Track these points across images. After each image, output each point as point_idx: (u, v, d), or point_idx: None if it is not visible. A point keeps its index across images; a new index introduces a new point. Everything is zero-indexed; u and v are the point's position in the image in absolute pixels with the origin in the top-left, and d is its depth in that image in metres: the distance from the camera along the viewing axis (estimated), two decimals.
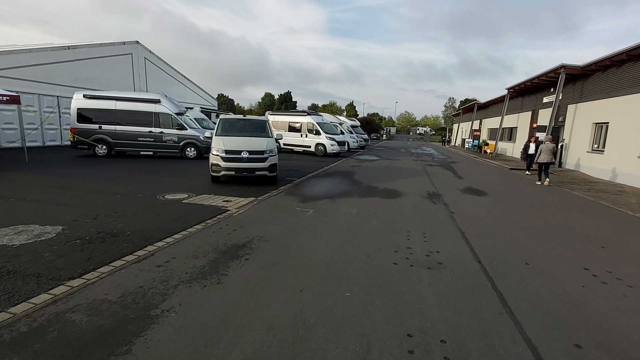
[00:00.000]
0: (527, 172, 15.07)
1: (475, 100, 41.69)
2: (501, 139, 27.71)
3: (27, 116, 16.78)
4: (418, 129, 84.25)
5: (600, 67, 15.01)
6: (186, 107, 23.31)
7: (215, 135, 9.78)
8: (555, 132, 18.30)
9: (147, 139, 15.17)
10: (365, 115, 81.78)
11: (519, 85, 22.81)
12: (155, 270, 3.87)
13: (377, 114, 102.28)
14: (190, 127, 15.83)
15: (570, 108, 17.89)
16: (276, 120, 22.55)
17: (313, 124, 20.72)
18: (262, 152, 9.34)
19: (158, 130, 15.23)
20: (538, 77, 19.26)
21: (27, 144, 13.96)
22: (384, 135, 65.06)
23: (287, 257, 4.37)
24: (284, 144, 21.90)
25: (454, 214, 7.14)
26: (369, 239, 5.22)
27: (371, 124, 63.00)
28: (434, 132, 78.30)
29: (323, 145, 20.29)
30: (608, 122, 14.54)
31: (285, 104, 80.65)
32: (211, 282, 3.62)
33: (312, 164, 15.47)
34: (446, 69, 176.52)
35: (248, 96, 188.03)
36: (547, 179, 12.29)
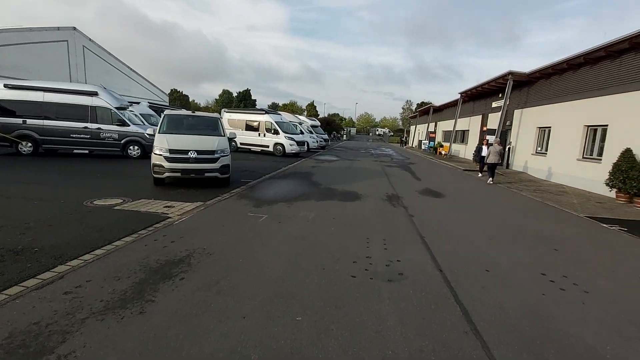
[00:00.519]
0: (479, 174, 15.67)
1: (431, 103, 43.39)
2: (454, 141, 28.96)
3: None
4: (377, 130, 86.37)
5: (544, 74, 16.04)
6: (130, 102, 21.48)
7: (159, 133, 8.81)
8: (503, 135, 19.35)
9: (82, 136, 13.52)
10: (326, 115, 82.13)
11: (470, 90, 23.91)
12: (60, 298, 3.10)
13: (338, 114, 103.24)
14: (134, 124, 14.42)
15: (517, 113, 19.00)
16: (233, 118, 21.54)
17: (271, 123, 20.02)
18: (213, 152, 8.56)
19: (95, 126, 13.65)
20: (488, 82, 20.25)
21: None
22: (344, 136, 65.73)
23: (232, 274, 3.78)
24: (241, 144, 20.97)
25: (413, 218, 6.96)
26: (326, 248, 4.79)
27: (332, 124, 63.30)
28: (392, 134, 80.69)
29: (282, 145, 19.67)
30: (550, 127, 15.57)
31: (244, 102, 78.53)
32: (132, 312, 2.94)
33: (270, 165, 14.82)
34: (403, 72, 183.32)
35: (205, 93, 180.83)
36: (492, 178, 13.54)
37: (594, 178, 12.24)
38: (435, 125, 38.32)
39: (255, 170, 12.86)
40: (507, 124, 19.53)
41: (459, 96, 27.04)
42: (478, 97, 24.95)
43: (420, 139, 43.33)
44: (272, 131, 19.99)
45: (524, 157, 17.78)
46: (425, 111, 41.87)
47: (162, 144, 8.29)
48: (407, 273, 4.11)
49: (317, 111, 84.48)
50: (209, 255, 4.24)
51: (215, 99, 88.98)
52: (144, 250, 4.29)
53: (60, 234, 4.69)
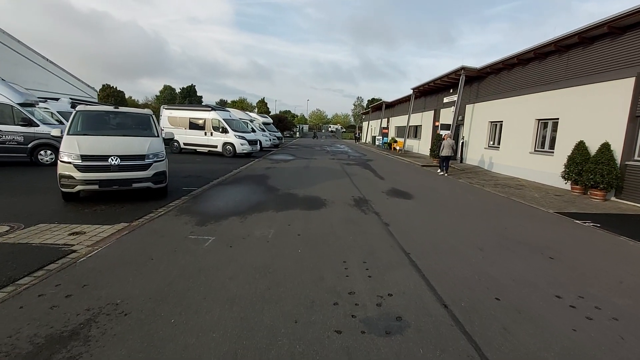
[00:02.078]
0: (439, 171, 15.49)
1: (381, 99, 43.90)
2: (408, 137, 29.24)
3: None
4: (330, 127, 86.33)
5: (494, 70, 16.30)
6: (45, 98, 18.18)
7: (67, 135, 6.90)
8: (456, 130, 19.60)
9: None
10: (278, 112, 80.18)
11: (422, 85, 24.07)
12: None
13: (289, 111, 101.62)
14: (45, 123, 11.85)
15: (469, 108, 19.33)
16: (174, 116, 19.27)
17: (219, 120, 18.17)
18: (143, 157, 6.89)
19: None
20: (440, 78, 20.37)
21: None
22: (298, 133, 64.55)
23: (157, 352, 2.45)
24: (185, 144, 18.85)
25: (389, 227, 6.03)
26: (294, 285, 3.60)
27: (284, 122, 61.62)
28: (344, 130, 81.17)
29: (232, 144, 17.94)
30: (502, 121, 15.87)
31: (188, 98, 73.78)
32: None
33: (219, 168, 13.17)
34: (351, 70, 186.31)
35: (143, 89, 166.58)
36: (445, 171, 14.60)
37: (547, 170, 12.51)
38: (388, 121, 38.71)
39: (201, 174, 11.20)
40: (459, 118, 19.82)
41: (409, 92, 27.26)
42: (430, 92, 25.28)
43: (373, 134, 43.65)
44: (220, 129, 18.16)
45: (477, 151, 18.10)
46: (378, 107, 42.21)
47: (72, 148, 6.44)
48: (406, 316, 3.09)
49: (268, 108, 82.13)
50: (123, 318, 2.84)
51: (156, 96, 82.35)
52: (16, 319, 2.75)
53: None
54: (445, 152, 14.24)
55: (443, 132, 18.18)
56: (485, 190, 10.95)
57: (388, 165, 17.84)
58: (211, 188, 9.03)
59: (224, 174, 11.64)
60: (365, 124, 55.00)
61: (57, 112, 14.88)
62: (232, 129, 18.21)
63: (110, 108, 8.37)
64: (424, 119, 26.84)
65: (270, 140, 25.39)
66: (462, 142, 19.64)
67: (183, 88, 77.33)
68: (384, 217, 6.69)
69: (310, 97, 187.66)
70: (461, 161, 19.50)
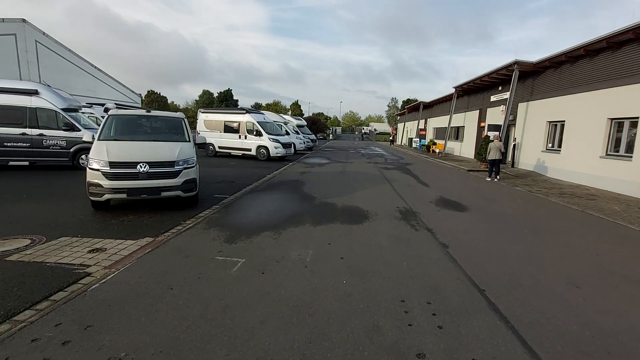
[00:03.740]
0: (488, 178, 14.00)
1: (416, 100, 42.06)
2: (449, 138, 27.45)
3: None
4: (363, 129, 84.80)
5: (554, 63, 14.50)
6: (90, 103, 18.85)
7: (98, 140, 6.60)
8: (506, 130, 17.82)
9: (19, 145, 11.04)
10: (311, 114, 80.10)
11: (466, 83, 22.38)
12: None
13: (323, 113, 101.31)
14: (87, 128, 11.97)
15: (521, 106, 17.50)
16: (210, 119, 19.21)
17: (253, 123, 17.82)
18: (172, 164, 6.41)
19: (36, 131, 11.19)
20: (488, 74, 18.70)
21: None
22: (331, 135, 63.89)
23: None
24: (220, 147, 18.69)
25: (449, 249, 5.03)
26: (343, 337, 2.77)
27: (317, 124, 61.28)
28: (378, 132, 79.31)
29: (266, 148, 17.51)
30: (564, 121, 14.05)
31: (225, 102, 75.75)
32: None
33: (252, 172, 12.69)
34: (382, 71, 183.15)
35: (184, 94, 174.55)
36: (496, 177, 13.18)
37: (623, 178, 10.72)
38: (426, 123, 36.87)
39: (235, 180, 10.73)
40: (510, 118, 18.02)
41: (445, 92, 25.63)
42: (474, 91, 23.48)
43: (410, 136, 41.87)
44: (255, 132, 17.79)
45: (532, 154, 16.26)
46: (415, 107, 40.44)
47: (101, 155, 6.08)
48: None
49: (301, 110, 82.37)
50: None
51: (195, 100, 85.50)
52: None
53: None
54: (492, 155, 12.92)
55: (491, 134, 16.57)
56: (551, 200, 9.48)
57: (430, 170, 16.53)
58: (243, 196, 8.46)
59: (258, 179, 11.10)
60: (400, 125, 53.12)
61: (101, 117, 15.23)
62: (266, 132, 17.79)
63: (143, 112, 8.07)
64: (467, 120, 25.02)
65: (304, 142, 24.87)
66: (514, 145, 17.81)
67: (220, 92, 79.61)
68: (439, 236, 5.68)
69: (343, 99, 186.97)
70: (513, 165, 17.70)
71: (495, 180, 13.00)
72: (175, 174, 6.42)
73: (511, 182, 12.85)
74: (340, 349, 2.62)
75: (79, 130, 11.62)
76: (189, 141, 7.34)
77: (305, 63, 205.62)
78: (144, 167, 6.10)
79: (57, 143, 11.45)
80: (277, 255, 4.49)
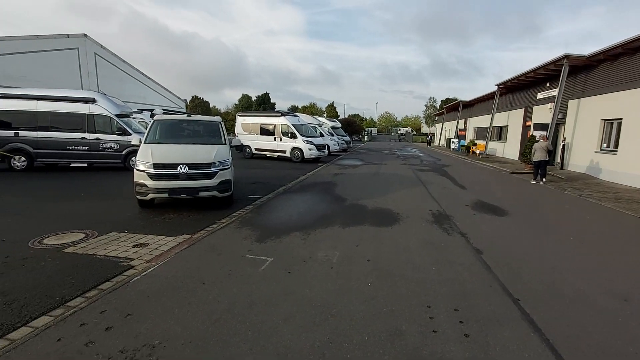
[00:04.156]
0: (533, 181, 13.13)
1: (456, 99, 40.40)
2: (491, 139, 26.08)
3: None
4: (399, 130, 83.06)
5: (610, 56, 13.28)
6: (140, 109, 20.34)
7: (144, 143, 7.13)
8: (554, 130, 16.58)
9: (79, 148, 12.22)
10: (346, 116, 79.95)
11: (510, 80, 21.16)
12: None
13: (358, 114, 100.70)
14: (137, 132, 12.94)
15: (572, 104, 16.21)
16: (247, 122, 19.93)
17: (288, 125, 18.20)
18: (209, 165, 6.76)
19: (93, 136, 12.32)
20: (534, 70, 17.55)
21: None
22: (366, 137, 63.33)
23: None
24: (256, 149, 19.30)
25: (483, 255, 4.82)
26: (364, 339, 2.78)
27: (352, 125, 61.12)
28: (415, 133, 77.31)
29: (300, 150, 17.80)
30: (621, 119, 12.80)
31: (263, 105, 77.87)
32: None
33: (286, 173, 12.96)
34: (420, 70, 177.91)
35: (225, 99, 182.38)
36: (541, 179, 12.30)
37: None
38: (466, 122, 35.34)
39: (269, 181, 11.04)
40: (559, 116, 16.76)
41: (488, 90, 24.33)
42: (519, 88, 22.13)
43: (448, 137, 40.35)
44: (289, 135, 18.16)
45: (583, 155, 14.98)
46: (454, 107, 38.92)
47: (146, 157, 6.57)
48: None
49: (337, 112, 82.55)
50: None
51: (235, 104, 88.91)
52: (49, 355, 2.45)
53: None
54: (537, 156, 12.05)
55: (537, 133, 15.51)
56: (604, 206, 8.69)
57: (468, 172, 15.83)
58: (276, 197, 8.68)
59: (291, 180, 11.33)
60: (438, 125, 51.35)
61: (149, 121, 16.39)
62: (301, 134, 18.07)
63: (184, 116, 8.58)
64: (510, 119, 23.63)
65: (338, 144, 24.92)
66: (563, 145, 16.53)
67: (258, 96, 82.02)
68: (473, 241, 5.45)
69: (379, 100, 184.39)
70: (562, 167, 16.42)
71: (541, 183, 12.16)
72: (211, 175, 6.76)
73: (559, 185, 11.94)
74: (360, 350, 2.63)
75: (130, 134, 12.58)
76: (225, 144, 7.70)
77: (341, 65, 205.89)
78: (184, 169, 6.50)
79: (111, 146, 12.52)
80: (305, 256, 4.58)
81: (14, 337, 2.68)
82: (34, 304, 3.16)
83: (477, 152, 25.31)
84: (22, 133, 11.81)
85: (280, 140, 18.46)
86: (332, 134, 25.58)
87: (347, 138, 30.08)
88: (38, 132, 11.90)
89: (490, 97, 26.57)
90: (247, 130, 19.62)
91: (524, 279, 4.06)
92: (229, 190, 7.19)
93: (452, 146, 32.95)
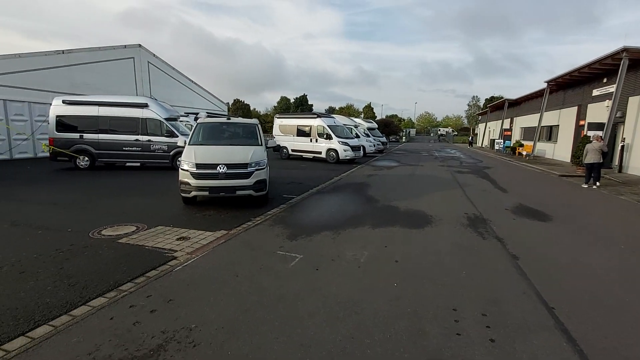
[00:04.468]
0: (585, 185, 12.14)
1: (502, 97, 38.18)
2: (539, 139, 24.40)
3: None
4: (439, 130, 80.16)
5: None
6: (187, 113, 21.66)
7: (188, 145, 7.67)
8: (612, 129, 15.17)
9: (133, 149, 13.37)
10: (384, 117, 78.83)
11: (562, 76, 19.68)
12: None
13: (396, 115, 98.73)
14: (183, 134, 13.88)
15: (633, 101, 14.74)
16: (284, 124, 20.47)
17: (324, 127, 18.42)
18: (245, 166, 7.12)
19: (145, 138, 13.40)
20: (589, 65, 16.18)
21: None
22: (404, 137, 61.98)
23: None
24: (292, 150, 19.75)
25: (519, 261, 4.62)
26: (385, 337, 2.84)
27: (390, 126, 60.11)
28: (456, 133, 74.22)
29: (335, 151, 17.94)
30: None
31: (300, 107, 79.17)
32: None
33: (321, 174, 13.17)
34: (463, 68, 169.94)
35: (265, 101, 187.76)
36: (594, 182, 11.43)
37: None
38: (512, 122, 33.35)
39: (303, 181, 11.30)
40: (617, 115, 15.31)
41: (538, 87, 22.71)
42: (572, 85, 20.51)
43: (492, 137, 38.32)
44: (325, 136, 18.37)
45: None
46: (498, 106, 36.89)
47: (190, 157, 7.08)
48: None
49: (374, 113, 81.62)
50: (191, 350, 2.60)
51: (274, 106, 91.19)
52: (102, 332, 2.81)
53: (17, 291, 3.47)
54: (590, 157, 11.13)
55: (592, 133, 14.31)
56: None
57: (512, 174, 14.99)
58: (310, 196, 8.90)
59: (325, 181, 11.50)
60: (481, 125, 48.89)
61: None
62: (336, 135, 18.20)
63: (224, 119, 9.09)
64: (562, 118, 21.96)
65: (374, 145, 24.72)
66: (622, 146, 15.07)
67: (296, 98, 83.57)
68: (510, 246, 5.24)
69: (418, 99, 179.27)
70: (620, 170, 14.99)
71: (594, 187, 11.21)
72: (248, 175, 7.11)
73: (615, 190, 10.93)
74: (380, 347, 2.70)
75: (177, 136, 13.49)
76: (261, 145, 8.05)
77: (379, 65, 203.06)
78: (223, 169, 6.92)
79: (160, 147, 13.52)
80: (333, 254, 4.70)
81: (76, 313, 3.09)
82: (92, 286, 3.60)
83: (524, 153, 23.79)
84: (85, 135, 13.16)
85: (316, 141, 18.73)
86: (368, 135, 25.43)
87: (384, 139, 29.70)
88: (99, 135, 13.20)
89: (539, 94, 24.88)
90: (284, 132, 20.14)
91: (563, 288, 3.85)
92: (264, 190, 7.51)
93: (496, 147, 31.25)
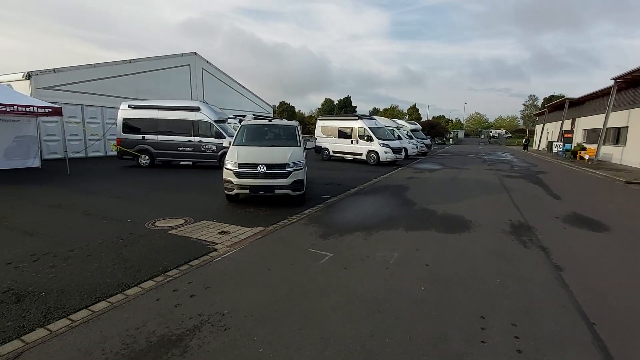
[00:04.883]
0: None
1: (563, 97, 34.93)
2: (605, 142, 22.03)
3: (70, 128, 17.48)
4: (490, 132, 75.46)
5: None
6: (236, 115, 22.87)
7: (233, 145, 8.19)
8: None
9: (186, 149, 14.48)
10: (430, 118, 76.14)
11: (631, 73, 17.64)
12: None
13: (444, 116, 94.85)
14: (230, 136, 14.75)
15: None
16: (326, 125, 20.74)
17: (365, 128, 18.37)
18: (284, 166, 7.43)
19: (197, 139, 14.44)
20: None
21: (71, 155, 14.23)
22: (451, 139, 59.34)
23: None
24: (333, 152, 19.95)
25: (562, 273, 4.33)
26: (406, 337, 2.88)
27: (436, 128, 58.06)
28: (510, 135, 69.34)
29: (376, 152, 17.81)
30: None
31: (344, 109, 79.24)
32: None
33: (360, 176, 13.20)
34: (519, 65, 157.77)
35: (309, 103, 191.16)
36: None
37: None
38: (573, 123, 30.46)
39: (342, 182, 11.43)
40: None
41: (606, 84, 20.44)
42: None
43: (550, 140, 35.30)
44: (366, 138, 18.32)
45: None
46: (557, 106, 33.89)
47: (233, 157, 7.57)
48: None
49: (419, 114, 79.24)
50: (222, 333, 2.86)
51: (318, 108, 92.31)
52: (149, 310, 3.19)
53: (86, 270, 4.04)
54: None
55: None
56: None
57: (569, 180, 13.77)
58: (346, 197, 9.00)
59: (363, 182, 11.53)
60: (538, 127, 45.21)
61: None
62: (377, 137, 18.06)
63: (266, 121, 9.53)
64: (632, 119, 19.63)
65: (417, 147, 24.10)
66: None
67: (340, 100, 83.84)
68: (555, 256, 4.91)
69: (469, 99, 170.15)
70: None
71: None
72: (286, 175, 7.41)
73: None
74: (400, 347, 2.75)
75: (225, 137, 14.36)
76: (300, 146, 8.33)
77: (426, 64, 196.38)
78: (262, 168, 7.29)
79: (210, 148, 14.48)
80: (363, 254, 4.78)
81: (129, 293, 3.53)
82: (144, 271, 4.06)
83: (586, 157, 21.63)
84: (147, 136, 14.51)
85: (357, 143, 18.73)
86: (410, 137, 24.83)
87: (428, 141, 28.76)
88: (158, 136, 14.49)
89: (605, 93, 22.46)
90: (326, 134, 20.41)
91: (609, 304, 3.56)
92: (301, 190, 7.77)
93: (555, 150, 28.75)
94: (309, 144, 23.61)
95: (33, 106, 11.03)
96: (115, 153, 15.42)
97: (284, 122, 9.45)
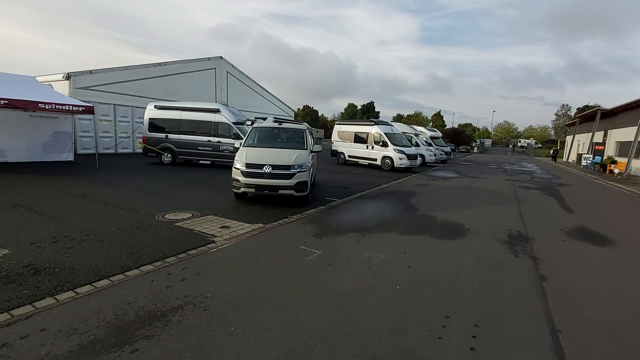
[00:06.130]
0: None
1: (598, 106, 33.29)
2: (636, 156, 20.89)
3: (102, 125, 18.65)
4: (519, 141, 72.73)
5: None
6: (257, 117, 23.53)
7: (242, 146, 8.63)
8: None
9: (205, 148, 15.18)
10: (456, 125, 74.55)
11: None
12: None
13: (470, 124, 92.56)
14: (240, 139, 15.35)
15: None
16: (343, 130, 21.01)
17: (380, 134, 18.46)
18: (288, 167, 7.76)
19: (216, 139, 15.11)
20: None
21: (102, 151, 15.27)
22: (475, 148, 57.81)
23: (196, 356, 2.61)
24: (349, 156, 20.15)
25: (545, 282, 4.36)
26: (366, 329, 3.09)
27: (460, 135, 56.87)
28: (540, 145, 66.60)
29: (390, 158, 17.85)
30: None
31: (367, 114, 79.10)
32: None
33: (370, 181, 13.34)
34: (553, 73, 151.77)
35: (333, 107, 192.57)
36: None
37: None
38: (605, 135, 28.98)
39: (350, 186, 11.64)
40: None
41: None
42: None
43: (581, 152, 33.74)
44: (381, 143, 18.40)
45: None
46: (590, 116, 32.36)
47: (242, 157, 8.00)
48: None
49: (444, 121, 77.81)
50: (202, 312, 3.20)
51: (341, 113, 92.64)
52: (143, 289, 3.58)
53: (96, 252, 4.52)
54: None
55: None
56: None
57: (589, 194, 13.26)
58: (351, 200, 9.22)
59: (372, 187, 11.68)
60: (569, 138, 43.26)
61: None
62: (393, 143, 18.10)
63: (276, 124, 9.93)
64: None
65: (435, 155, 23.83)
66: None
67: (363, 105, 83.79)
68: (543, 267, 4.92)
69: (498, 107, 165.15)
70: None
71: None
72: (290, 176, 7.74)
73: None
74: (358, 337, 2.97)
75: (242, 138, 14.94)
76: (306, 149, 8.64)
77: (454, 70, 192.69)
78: (268, 169, 7.66)
79: (227, 148, 15.08)
80: (350, 254, 5.00)
81: (129, 274, 3.95)
82: (146, 256, 4.49)
83: (616, 171, 20.59)
84: (170, 136, 15.36)
85: (372, 148, 18.84)
86: (430, 144, 24.60)
87: (447, 149, 28.32)
88: (180, 135, 15.29)
89: (639, 104, 21.35)
90: (342, 138, 20.66)
91: (583, 315, 3.60)
92: (304, 191, 8.06)
93: (584, 163, 27.49)
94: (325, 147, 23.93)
95: (69, 104, 12.03)
96: (140, 150, 16.40)
97: (293, 125, 9.82)
